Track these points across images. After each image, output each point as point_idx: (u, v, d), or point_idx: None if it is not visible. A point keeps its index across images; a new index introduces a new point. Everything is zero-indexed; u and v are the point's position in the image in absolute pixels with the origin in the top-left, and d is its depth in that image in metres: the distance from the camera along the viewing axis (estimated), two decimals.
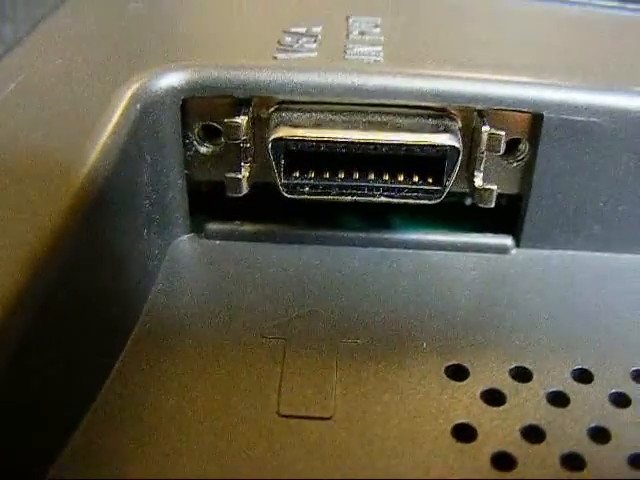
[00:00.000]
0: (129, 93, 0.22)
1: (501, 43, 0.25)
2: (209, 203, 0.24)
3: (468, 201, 0.24)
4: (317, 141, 0.22)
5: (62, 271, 0.18)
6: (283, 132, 0.22)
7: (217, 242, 0.24)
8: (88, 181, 0.19)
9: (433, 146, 0.22)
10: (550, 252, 0.25)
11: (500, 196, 0.24)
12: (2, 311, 0.15)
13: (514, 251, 0.25)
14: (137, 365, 0.21)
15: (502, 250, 0.25)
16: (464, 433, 0.19)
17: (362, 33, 0.24)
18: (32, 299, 0.16)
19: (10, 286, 0.16)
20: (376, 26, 0.25)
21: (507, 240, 0.25)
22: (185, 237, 0.25)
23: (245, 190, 0.23)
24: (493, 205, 0.23)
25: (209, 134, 0.23)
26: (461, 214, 0.25)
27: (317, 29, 0.25)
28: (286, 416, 0.19)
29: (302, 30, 0.24)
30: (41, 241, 0.17)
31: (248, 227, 0.25)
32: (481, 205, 0.23)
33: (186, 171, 0.24)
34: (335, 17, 0.26)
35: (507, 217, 0.25)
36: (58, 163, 0.19)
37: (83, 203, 0.19)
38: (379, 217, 0.25)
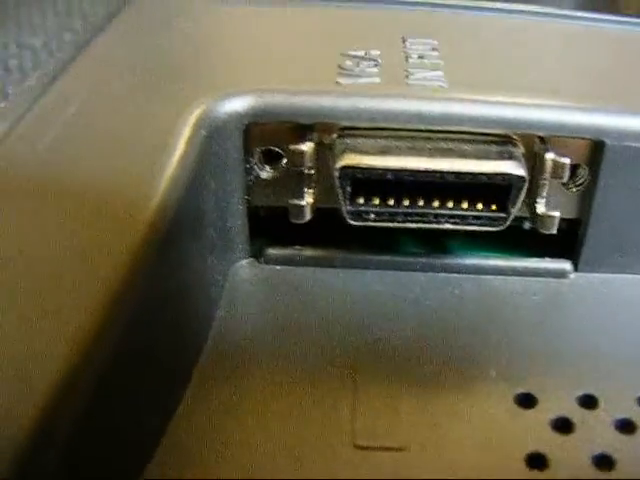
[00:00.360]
0: (193, 119, 0.21)
1: (561, 67, 0.25)
2: (268, 227, 0.24)
3: (526, 225, 0.24)
4: (384, 169, 0.22)
5: (137, 306, 0.18)
6: (350, 160, 0.22)
7: (277, 267, 0.24)
8: (159, 214, 0.19)
9: (500, 174, 0.22)
10: (608, 276, 0.25)
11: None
12: (80, 356, 0.15)
13: (573, 275, 0.25)
14: (205, 396, 0.20)
15: (561, 274, 0.25)
16: (537, 462, 0.20)
17: (421, 57, 0.24)
18: (111, 337, 0.16)
19: (89, 327, 0.16)
20: (434, 49, 0.25)
21: (566, 265, 0.25)
22: (244, 262, 0.24)
23: (308, 216, 0.23)
24: (555, 232, 0.24)
25: (269, 159, 0.23)
26: (518, 237, 0.25)
27: (376, 52, 0.24)
28: (362, 448, 0.20)
29: (361, 53, 0.24)
30: (117, 278, 0.17)
31: (308, 252, 0.24)
32: (543, 231, 0.23)
33: (246, 196, 0.24)
34: (391, 39, 0.25)
35: (565, 241, 0.25)
36: (127, 196, 0.19)
37: (155, 237, 0.18)
38: (435, 240, 0.25)
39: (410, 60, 0.24)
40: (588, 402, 0.21)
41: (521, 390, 0.21)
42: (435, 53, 0.25)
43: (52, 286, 0.17)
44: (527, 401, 0.21)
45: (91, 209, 0.19)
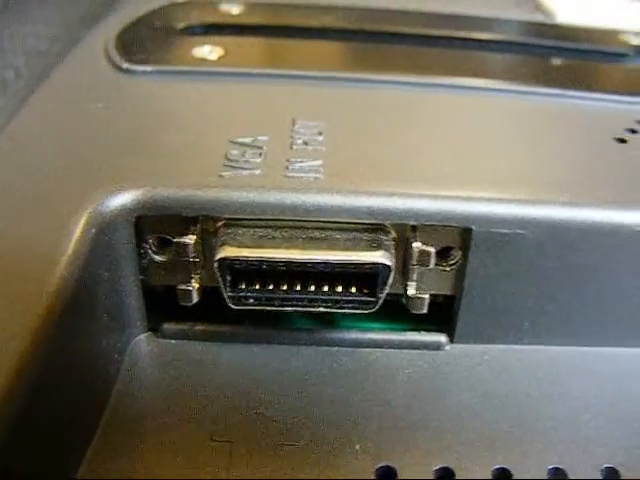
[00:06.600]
0: (83, 219, 0.23)
1: (437, 150, 0.26)
2: (165, 304, 0.26)
3: (404, 300, 0.26)
4: (260, 261, 0.23)
5: (30, 391, 0.20)
6: (227, 252, 0.23)
7: (172, 341, 0.26)
8: (49, 311, 0.21)
9: (366, 264, 0.23)
10: (483, 347, 0.26)
11: (435, 295, 0.26)
12: None
13: (448, 347, 0.26)
14: (96, 471, 0.23)
15: (436, 347, 0.26)
16: None
17: (305, 143, 0.26)
18: (8, 413, 0.18)
19: None
20: (319, 133, 0.26)
21: (441, 337, 0.26)
22: (142, 336, 0.26)
23: (195, 299, 0.25)
24: (425, 311, 0.25)
25: (163, 243, 0.25)
26: (399, 309, 0.26)
27: (263, 138, 0.26)
28: None
29: (248, 140, 0.26)
30: (6, 370, 0.19)
31: (200, 327, 0.26)
32: (414, 312, 0.25)
33: (141, 277, 0.25)
34: (282, 121, 0.27)
35: (442, 314, 0.26)
36: (20, 294, 0.21)
37: (45, 333, 0.20)
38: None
39: (294, 147, 0.26)
40: (445, 475, 0.23)
41: (382, 463, 0.23)
42: (320, 138, 0.26)
43: None
44: (387, 475, 0.23)
45: None
